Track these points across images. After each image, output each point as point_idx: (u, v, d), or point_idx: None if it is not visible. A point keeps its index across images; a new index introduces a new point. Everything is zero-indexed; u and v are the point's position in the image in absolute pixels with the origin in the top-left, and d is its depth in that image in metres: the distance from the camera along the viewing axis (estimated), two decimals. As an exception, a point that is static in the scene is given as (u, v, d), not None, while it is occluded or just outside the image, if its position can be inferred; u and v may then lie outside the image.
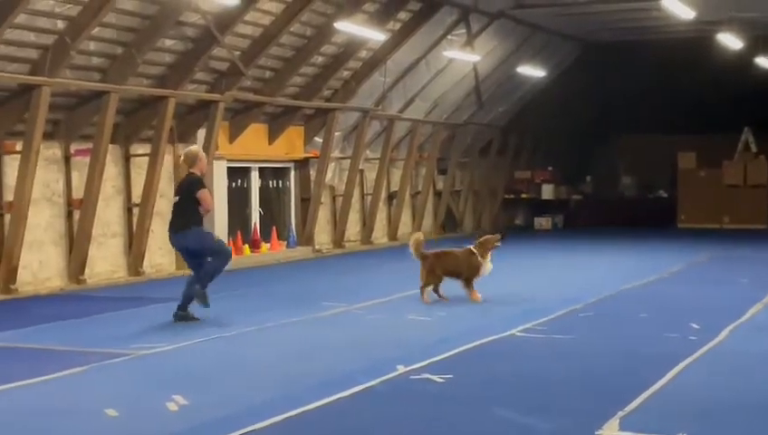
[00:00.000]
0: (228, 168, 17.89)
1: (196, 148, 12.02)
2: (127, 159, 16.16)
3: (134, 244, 15.96)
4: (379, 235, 22.71)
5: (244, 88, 17.28)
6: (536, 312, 11.70)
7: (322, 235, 20.77)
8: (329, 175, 20.50)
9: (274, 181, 20.16)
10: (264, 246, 18.90)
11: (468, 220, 26.28)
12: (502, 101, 25.57)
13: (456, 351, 9.38)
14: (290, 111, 19.16)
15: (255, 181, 19.48)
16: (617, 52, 25.98)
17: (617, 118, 28.91)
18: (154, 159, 15.83)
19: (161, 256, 16.65)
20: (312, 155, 20.13)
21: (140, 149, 16.20)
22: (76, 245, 14.94)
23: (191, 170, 11.47)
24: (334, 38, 18.09)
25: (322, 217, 20.71)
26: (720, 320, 10.90)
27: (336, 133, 20.27)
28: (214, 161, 16.81)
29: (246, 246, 18.32)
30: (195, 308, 11.41)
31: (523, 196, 28.36)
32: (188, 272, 12.00)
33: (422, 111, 22.91)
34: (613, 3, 20.95)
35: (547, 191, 28.41)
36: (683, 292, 13.95)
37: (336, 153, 20.85)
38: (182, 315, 11.34)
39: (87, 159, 14.95)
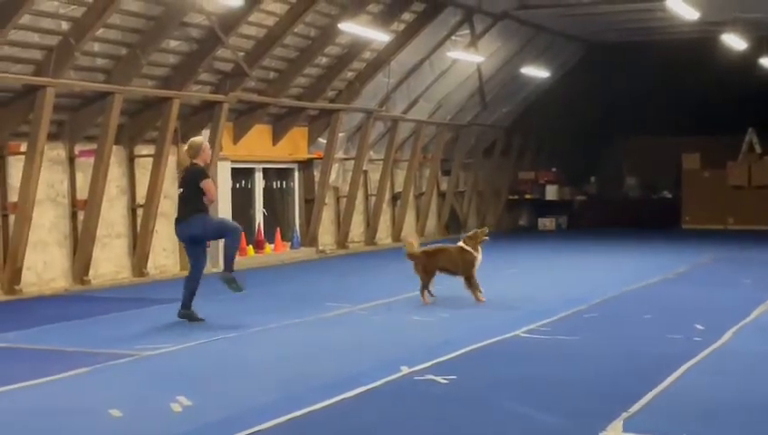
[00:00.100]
0: (232, 169, 17.91)
1: (201, 138, 12.00)
2: (131, 159, 16.17)
3: (138, 245, 15.98)
4: (383, 236, 22.71)
5: (248, 89, 17.29)
6: (540, 313, 11.69)
7: (326, 236, 20.78)
8: (333, 176, 20.51)
9: (278, 182, 20.18)
10: (268, 247, 18.91)
11: (472, 221, 26.26)
12: (506, 102, 25.57)
13: (460, 352, 9.38)
14: (294, 112, 19.18)
15: (259, 182, 19.49)
16: (621, 52, 25.96)
17: (621, 118, 28.89)
18: (158, 159, 15.84)
19: (165, 257, 16.68)
20: (315, 156, 20.14)
21: (145, 150, 16.22)
22: (80, 245, 14.96)
23: (194, 161, 11.46)
24: (338, 39, 18.10)
25: (326, 217, 20.72)
26: (724, 321, 10.89)
27: (340, 134, 20.28)
28: (218, 162, 16.82)
29: (250, 246, 18.33)
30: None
31: (527, 196, 28.34)
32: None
33: (426, 112, 22.91)
34: (617, 3, 20.94)
35: (551, 192, 28.39)
36: (687, 293, 13.94)
37: (340, 154, 20.85)
38: (186, 314, 11.36)
39: (91, 160, 14.97)
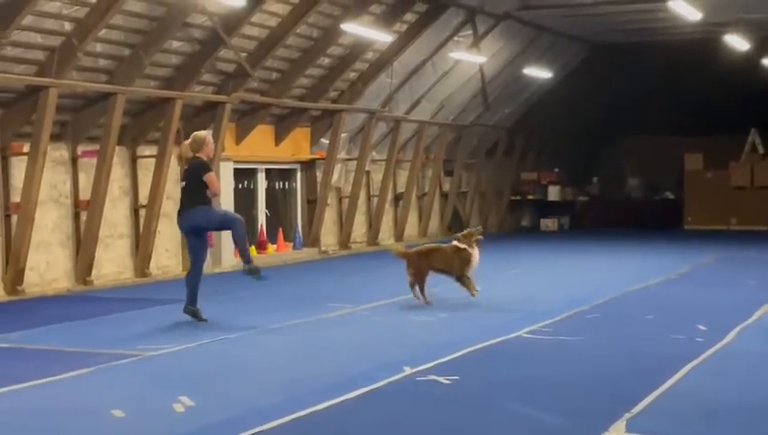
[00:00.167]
0: (235, 169, 17.91)
1: (205, 132, 11.96)
2: (134, 160, 16.18)
3: (141, 245, 15.99)
4: (386, 236, 22.72)
5: (250, 89, 17.30)
6: (543, 313, 11.68)
7: (329, 236, 20.79)
8: (335, 176, 20.52)
9: (281, 183, 20.19)
10: (271, 248, 18.93)
11: (475, 222, 26.23)
12: (508, 103, 25.57)
13: (463, 352, 9.37)
14: (296, 113, 19.18)
15: (262, 183, 19.50)
16: (623, 53, 25.96)
17: (623, 119, 28.89)
18: (161, 160, 15.85)
19: (168, 257, 16.69)
20: (318, 156, 20.15)
21: (147, 150, 16.23)
22: (83, 246, 14.97)
23: (197, 155, 11.45)
24: (341, 40, 18.11)
25: (329, 218, 20.73)
26: (727, 321, 10.88)
27: (342, 135, 20.29)
28: (220, 163, 16.83)
29: (253, 247, 18.31)
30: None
31: (530, 197, 28.35)
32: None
33: (428, 113, 22.92)
34: (620, 4, 20.95)
35: (553, 193, 28.40)
36: (690, 293, 13.93)
37: (342, 155, 20.86)
38: (192, 310, 11.36)
39: (94, 161, 14.98)
